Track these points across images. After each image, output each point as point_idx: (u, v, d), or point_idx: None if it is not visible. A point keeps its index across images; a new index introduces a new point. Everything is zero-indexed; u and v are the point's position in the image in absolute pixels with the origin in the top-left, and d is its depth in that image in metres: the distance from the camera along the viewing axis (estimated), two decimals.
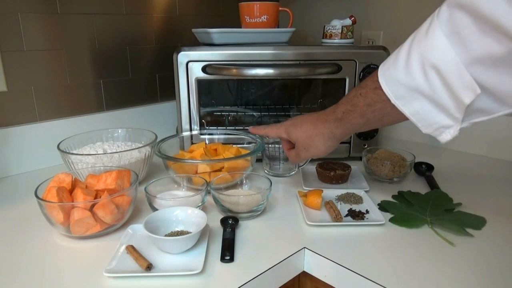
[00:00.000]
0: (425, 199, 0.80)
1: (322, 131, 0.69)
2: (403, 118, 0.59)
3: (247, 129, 1.06)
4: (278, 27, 1.15)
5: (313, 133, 0.70)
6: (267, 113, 1.22)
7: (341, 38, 1.05)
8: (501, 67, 0.48)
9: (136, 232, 0.67)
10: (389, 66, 0.58)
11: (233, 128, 1.08)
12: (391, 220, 0.72)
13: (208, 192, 0.77)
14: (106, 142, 0.99)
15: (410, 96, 0.56)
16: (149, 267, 0.57)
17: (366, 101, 0.61)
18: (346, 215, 0.74)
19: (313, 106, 1.25)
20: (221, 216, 0.73)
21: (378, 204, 0.78)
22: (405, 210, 0.76)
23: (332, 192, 0.82)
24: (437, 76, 0.52)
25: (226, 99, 1.26)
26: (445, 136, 0.56)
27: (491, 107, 0.52)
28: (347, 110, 0.65)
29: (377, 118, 0.62)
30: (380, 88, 0.59)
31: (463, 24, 0.49)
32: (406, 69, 0.55)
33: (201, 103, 1.02)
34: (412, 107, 0.57)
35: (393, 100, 0.58)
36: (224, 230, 0.68)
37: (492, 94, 0.50)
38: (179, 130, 1.02)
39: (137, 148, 0.88)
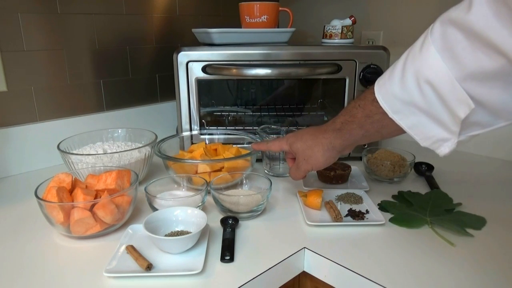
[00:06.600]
0: (425, 199, 0.80)
1: (321, 141, 0.69)
2: (401, 130, 0.60)
3: (247, 129, 1.06)
4: (278, 27, 1.15)
5: (313, 143, 0.70)
6: (267, 113, 1.23)
7: (341, 38, 1.05)
8: (494, 82, 0.49)
9: (136, 232, 0.67)
10: (384, 82, 0.59)
11: (233, 128, 1.08)
12: (391, 220, 0.72)
13: (208, 192, 0.77)
14: (106, 142, 0.99)
15: (406, 110, 0.57)
16: (149, 267, 0.57)
17: (364, 112, 0.62)
18: (346, 215, 0.74)
19: (313, 106, 1.25)
20: (221, 216, 0.73)
21: (378, 204, 0.78)
22: (405, 210, 0.76)
23: (332, 192, 0.82)
24: (432, 91, 0.53)
25: (226, 99, 1.26)
26: (443, 150, 0.57)
27: (486, 120, 0.53)
28: (346, 120, 0.66)
29: (376, 130, 0.63)
30: (377, 101, 0.60)
31: (456, 41, 0.50)
32: (402, 84, 0.56)
33: (201, 103, 1.02)
34: (409, 121, 0.58)
35: (391, 114, 0.59)
36: (224, 230, 0.68)
37: (486, 108, 0.51)
38: (179, 130, 1.02)
39: (137, 148, 0.88)
